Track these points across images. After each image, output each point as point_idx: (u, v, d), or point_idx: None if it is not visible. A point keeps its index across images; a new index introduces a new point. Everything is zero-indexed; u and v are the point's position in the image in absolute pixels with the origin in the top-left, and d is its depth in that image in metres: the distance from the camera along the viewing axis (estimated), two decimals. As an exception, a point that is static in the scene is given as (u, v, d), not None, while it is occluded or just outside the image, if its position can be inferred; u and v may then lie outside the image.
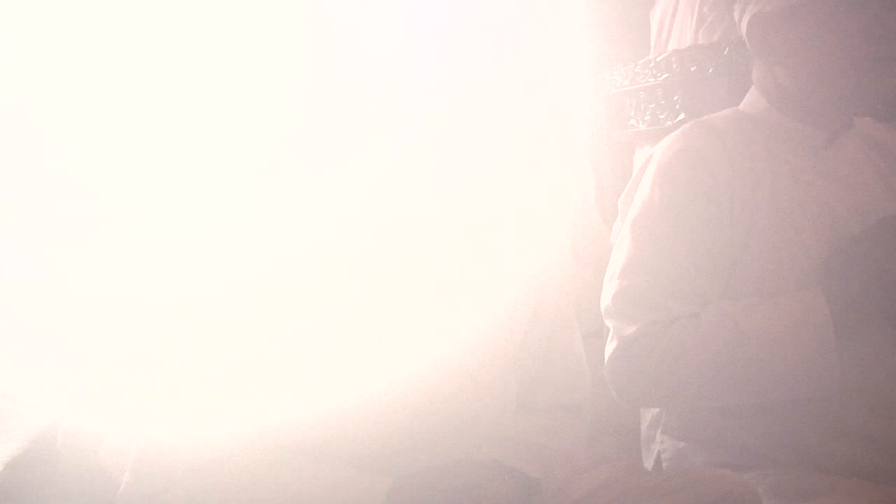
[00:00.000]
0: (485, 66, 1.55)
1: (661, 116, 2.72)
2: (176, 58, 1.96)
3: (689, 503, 1.39)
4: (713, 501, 1.39)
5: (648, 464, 1.87)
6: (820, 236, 1.72)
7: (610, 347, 1.73)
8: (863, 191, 1.76)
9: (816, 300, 1.65)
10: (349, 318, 1.45)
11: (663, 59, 2.73)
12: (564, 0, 2.96)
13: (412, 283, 1.49)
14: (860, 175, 1.78)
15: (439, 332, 1.48)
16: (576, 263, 1.98)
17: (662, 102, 2.71)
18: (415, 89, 1.48)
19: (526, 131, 2.31)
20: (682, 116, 2.63)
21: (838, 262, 1.69)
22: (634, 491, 1.43)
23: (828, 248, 1.71)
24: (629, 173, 2.48)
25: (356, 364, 1.44)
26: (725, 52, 2.52)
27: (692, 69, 2.61)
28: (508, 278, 1.55)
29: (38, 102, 2.30)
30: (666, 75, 2.70)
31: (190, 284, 1.44)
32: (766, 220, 1.72)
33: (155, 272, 1.52)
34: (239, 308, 1.42)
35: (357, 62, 1.48)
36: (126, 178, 2.14)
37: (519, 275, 1.56)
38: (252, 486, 1.37)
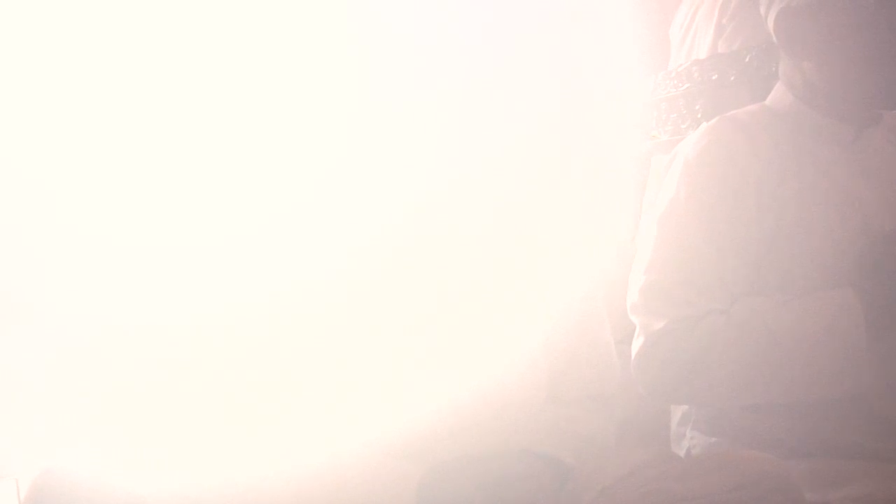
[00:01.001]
0: (527, 82, 1.57)
1: (683, 126, 2.72)
2: (202, 58, 1.97)
3: (724, 483, 1.37)
4: (751, 481, 1.37)
5: (678, 459, 1.85)
6: (849, 231, 1.71)
7: (637, 343, 1.72)
8: (892, 184, 1.76)
9: (849, 300, 1.64)
10: (381, 315, 1.46)
11: (684, 69, 2.73)
12: (586, 17, 2.98)
13: (440, 279, 1.50)
14: (889, 169, 1.78)
15: (471, 325, 1.48)
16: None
17: (684, 112, 2.71)
18: (454, 101, 1.51)
19: (557, 137, 2.33)
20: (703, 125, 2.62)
21: (871, 260, 1.68)
22: (667, 474, 1.42)
23: (857, 243, 1.70)
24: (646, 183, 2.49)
25: (389, 357, 1.44)
26: (747, 60, 2.51)
27: (713, 77, 2.61)
28: (540, 276, 1.55)
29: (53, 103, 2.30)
30: (687, 85, 2.70)
31: (227, 296, 1.46)
32: (793, 215, 1.71)
33: (187, 290, 1.52)
34: (266, 315, 1.45)
35: (395, 71, 1.50)
36: (138, 194, 2.13)
37: (551, 272, 1.56)
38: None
